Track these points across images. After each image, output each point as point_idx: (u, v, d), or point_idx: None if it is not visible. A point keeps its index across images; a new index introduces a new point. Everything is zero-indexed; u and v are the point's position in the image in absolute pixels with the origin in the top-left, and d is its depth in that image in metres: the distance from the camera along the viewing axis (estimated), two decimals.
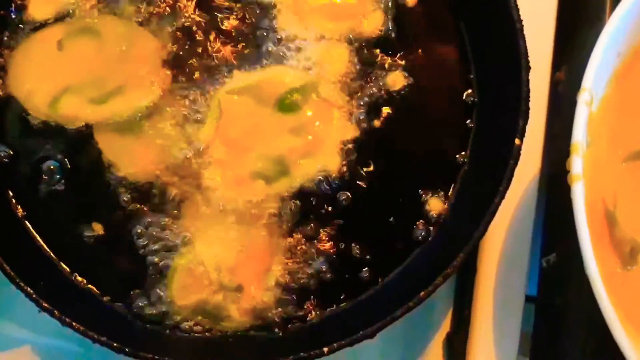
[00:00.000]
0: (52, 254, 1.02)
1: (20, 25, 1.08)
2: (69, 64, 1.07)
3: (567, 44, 1.16)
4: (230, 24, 1.08)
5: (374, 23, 1.08)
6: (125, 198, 1.03)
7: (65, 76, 1.06)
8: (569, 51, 1.16)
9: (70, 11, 1.08)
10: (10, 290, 0.93)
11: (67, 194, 1.04)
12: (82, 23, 1.09)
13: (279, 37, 1.07)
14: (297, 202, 1.03)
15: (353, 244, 1.02)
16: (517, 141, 0.94)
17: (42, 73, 1.07)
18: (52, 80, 1.06)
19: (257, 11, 1.08)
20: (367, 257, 1.02)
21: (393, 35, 1.08)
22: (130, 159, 1.04)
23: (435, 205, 1.03)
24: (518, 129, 0.95)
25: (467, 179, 1.02)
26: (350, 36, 1.08)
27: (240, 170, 1.03)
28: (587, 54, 1.00)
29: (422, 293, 0.88)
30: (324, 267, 1.01)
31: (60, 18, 1.08)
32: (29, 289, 0.92)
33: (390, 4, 1.09)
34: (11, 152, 1.05)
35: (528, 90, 0.96)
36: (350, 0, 1.10)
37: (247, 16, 1.08)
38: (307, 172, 1.03)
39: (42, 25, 1.08)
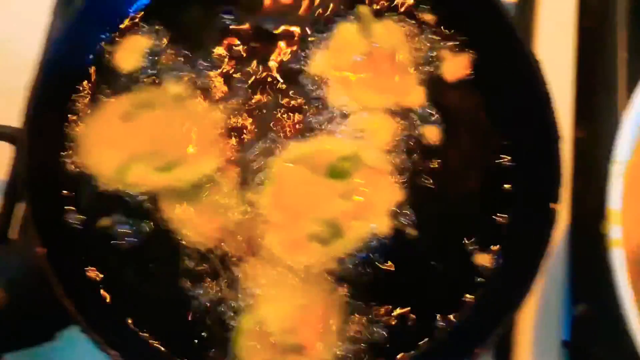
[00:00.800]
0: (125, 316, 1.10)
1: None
2: (134, 135, 1.16)
3: (586, 106, 1.27)
4: (286, 99, 1.18)
5: (416, 98, 1.18)
6: (189, 262, 1.11)
7: (132, 146, 1.15)
8: (588, 112, 1.26)
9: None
10: None
11: (136, 259, 1.12)
12: (146, 95, 1.18)
13: (329, 109, 1.17)
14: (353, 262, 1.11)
15: (406, 306, 1.10)
16: (554, 205, 1.04)
17: (110, 144, 1.15)
18: (120, 150, 1.15)
19: (310, 86, 1.18)
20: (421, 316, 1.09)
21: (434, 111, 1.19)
22: (193, 226, 1.12)
23: (482, 259, 1.12)
24: (554, 194, 1.04)
25: (509, 239, 1.11)
26: (394, 108, 1.18)
27: (296, 233, 1.12)
28: (605, 116, 1.13)
29: (477, 349, 0.97)
30: (382, 331, 1.08)
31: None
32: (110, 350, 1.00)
33: (430, 79, 1.20)
34: (83, 218, 1.13)
35: (560, 160, 1.06)
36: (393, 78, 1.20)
37: (301, 92, 1.19)
38: (359, 233, 1.12)
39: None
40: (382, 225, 1.12)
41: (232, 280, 1.10)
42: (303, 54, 1.20)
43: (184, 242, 1.11)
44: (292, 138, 1.16)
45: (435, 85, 1.19)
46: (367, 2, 1.24)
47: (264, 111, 1.18)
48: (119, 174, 1.13)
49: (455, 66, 1.20)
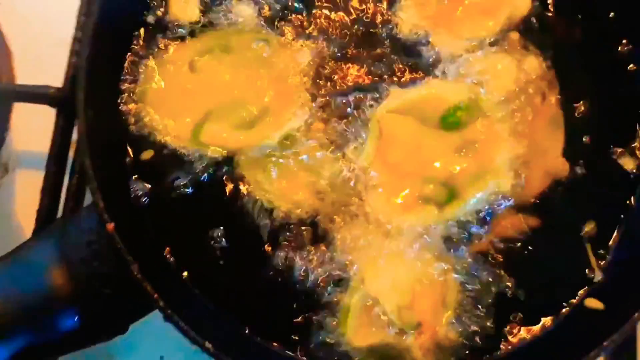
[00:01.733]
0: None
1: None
2: (206, 87, 0.98)
3: None
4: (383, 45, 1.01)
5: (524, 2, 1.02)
6: (283, 236, 0.93)
7: (204, 101, 0.97)
8: None
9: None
10: None
11: (215, 234, 0.95)
12: (213, 40, 1.00)
13: (437, 51, 1.00)
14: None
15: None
16: None
17: (179, 100, 0.98)
18: (190, 107, 0.97)
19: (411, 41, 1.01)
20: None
21: None
22: (284, 194, 0.94)
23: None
24: None
25: None
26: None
27: (407, 194, 0.94)
28: None
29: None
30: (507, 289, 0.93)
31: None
32: (204, 341, 0.82)
33: None
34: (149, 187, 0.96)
35: None
36: None
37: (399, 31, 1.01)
38: (478, 193, 0.94)
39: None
40: (504, 183, 0.95)
41: (333, 252, 0.93)
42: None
43: (274, 216, 0.94)
44: (395, 84, 0.98)
45: None
46: None
47: (360, 51, 1.00)
48: (193, 135, 0.96)
49: None
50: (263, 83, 0.98)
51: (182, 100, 0.98)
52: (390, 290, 0.92)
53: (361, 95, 0.98)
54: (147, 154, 0.96)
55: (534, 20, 1.02)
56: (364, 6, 1.02)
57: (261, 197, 0.95)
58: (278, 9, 1.02)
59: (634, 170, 0.98)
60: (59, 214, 1.03)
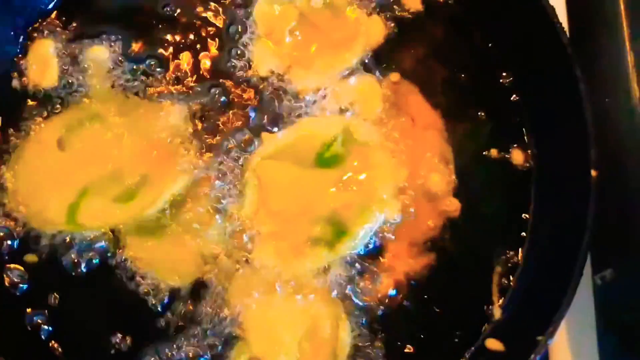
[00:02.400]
0: None
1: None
2: (78, 163, 0.95)
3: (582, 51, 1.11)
4: (244, 91, 1.00)
5: (376, 29, 1.02)
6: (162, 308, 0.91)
7: (77, 179, 0.94)
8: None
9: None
10: None
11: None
12: (80, 112, 0.97)
13: (296, 90, 0.99)
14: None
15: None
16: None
17: (49, 182, 0.94)
18: (63, 187, 0.93)
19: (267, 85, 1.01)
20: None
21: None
22: (167, 264, 0.92)
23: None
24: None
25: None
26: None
27: (295, 239, 0.93)
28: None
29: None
30: None
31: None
32: None
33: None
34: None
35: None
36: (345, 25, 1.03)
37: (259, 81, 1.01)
38: (367, 225, 0.93)
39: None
40: (390, 210, 0.95)
41: (220, 311, 0.91)
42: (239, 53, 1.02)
43: (155, 284, 0.92)
44: (264, 129, 0.98)
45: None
46: None
47: (224, 110, 0.99)
48: (68, 216, 0.92)
49: None
50: (138, 150, 0.96)
51: (53, 181, 0.94)
52: (276, 350, 0.89)
53: (235, 148, 0.96)
54: (30, 258, 0.93)
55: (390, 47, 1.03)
56: (219, 53, 1.02)
57: (146, 270, 0.92)
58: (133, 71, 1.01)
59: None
60: None
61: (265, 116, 0.99)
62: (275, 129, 0.98)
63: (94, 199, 0.93)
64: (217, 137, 0.97)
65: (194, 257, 0.92)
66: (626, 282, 0.95)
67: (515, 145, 1.01)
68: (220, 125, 0.98)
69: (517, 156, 1.00)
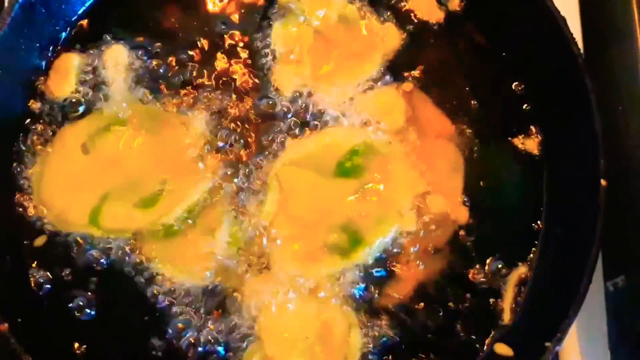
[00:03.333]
0: None
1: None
2: (101, 168, 0.97)
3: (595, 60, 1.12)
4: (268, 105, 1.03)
5: (392, 36, 1.05)
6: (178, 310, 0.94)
7: (100, 183, 0.96)
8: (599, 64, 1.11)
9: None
10: None
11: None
12: (104, 118, 1.00)
13: (319, 105, 1.02)
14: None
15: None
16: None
17: (73, 185, 0.97)
18: (86, 191, 0.96)
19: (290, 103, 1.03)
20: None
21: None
22: (183, 265, 0.94)
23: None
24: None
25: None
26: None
27: (311, 245, 0.95)
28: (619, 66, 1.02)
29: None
30: None
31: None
32: None
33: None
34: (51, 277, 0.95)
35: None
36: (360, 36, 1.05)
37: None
38: (383, 236, 0.95)
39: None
40: (407, 223, 0.96)
41: (235, 314, 0.94)
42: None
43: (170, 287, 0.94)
44: (290, 136, 1.00)
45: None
46: None
47: (250, 118, 1.02)
48: (91, 219, 0.95)
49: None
50: (159, 157, 0.98)
51: (77, 184, 0.97)
52: (289, 352, 0.91)
53: (259, 155, 0.99)
54: (40, 240, 0.96)
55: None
56: (242, 72, 1.04)
57: (163, 271, 0.94)
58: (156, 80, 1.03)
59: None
60: None
61: (290, 125, 1.01)
62: (299, 137, 1.00)
63: (116, 203, 0.95)
64: (240, 145, 1.00)
65: (209, 257, 0.94)
66: (638, 289, 0.97)
67: (526, 155, 1.02)
68: (243, 132, 1.00)
69: (528, 167, 1.02)
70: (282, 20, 1.06)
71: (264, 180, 0.98)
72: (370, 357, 0.93)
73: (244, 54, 1.05)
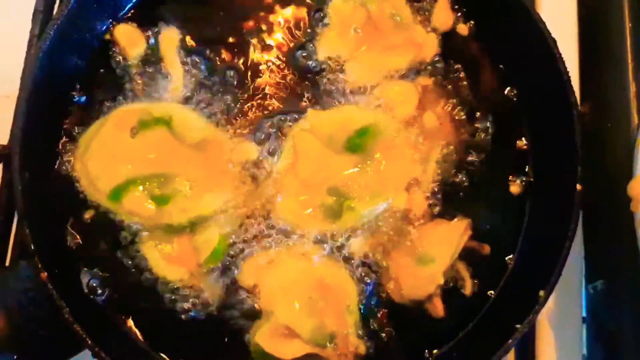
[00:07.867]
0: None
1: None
2: (139, 153, 1.03)
3: (590, 80, 1.23)
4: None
5: (430, 45, 1.13)
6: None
7: (134, 166, 1.02)
8: (593, 86, 1.21)
9: None
10: None
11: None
12: (159, 111, 1.05)
13: (346, 79, 1.11)
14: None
15: None
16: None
17: (111, 158, 1.02)
18: (119, 167, 1.02)
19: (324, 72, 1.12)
20: None
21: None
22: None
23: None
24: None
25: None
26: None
27: (311, 204, 1.06)
28: (612, 88, 1.12)
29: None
30: None
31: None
32: None
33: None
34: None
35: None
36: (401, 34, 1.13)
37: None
38: (374, 208, 1.06)
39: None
40: (398, 200, 1.07)
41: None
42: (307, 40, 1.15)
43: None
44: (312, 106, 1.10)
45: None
46: None
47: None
48: (113, 194, 1.02)
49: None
50: (193, 166, 1.04)
51: (115, 159, 1.02)
52: (298, 314, 1.02)
53: (282, 118, 1.09)
54: (88, 214, 1.04)
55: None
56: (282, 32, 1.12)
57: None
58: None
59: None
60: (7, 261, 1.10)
61: (316, 97, 1.10)
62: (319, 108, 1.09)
63: (137, 189, 1.02)
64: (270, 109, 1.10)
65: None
66: (614, 292, 1.09)
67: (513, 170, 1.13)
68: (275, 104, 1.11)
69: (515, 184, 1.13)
70: None
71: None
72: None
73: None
